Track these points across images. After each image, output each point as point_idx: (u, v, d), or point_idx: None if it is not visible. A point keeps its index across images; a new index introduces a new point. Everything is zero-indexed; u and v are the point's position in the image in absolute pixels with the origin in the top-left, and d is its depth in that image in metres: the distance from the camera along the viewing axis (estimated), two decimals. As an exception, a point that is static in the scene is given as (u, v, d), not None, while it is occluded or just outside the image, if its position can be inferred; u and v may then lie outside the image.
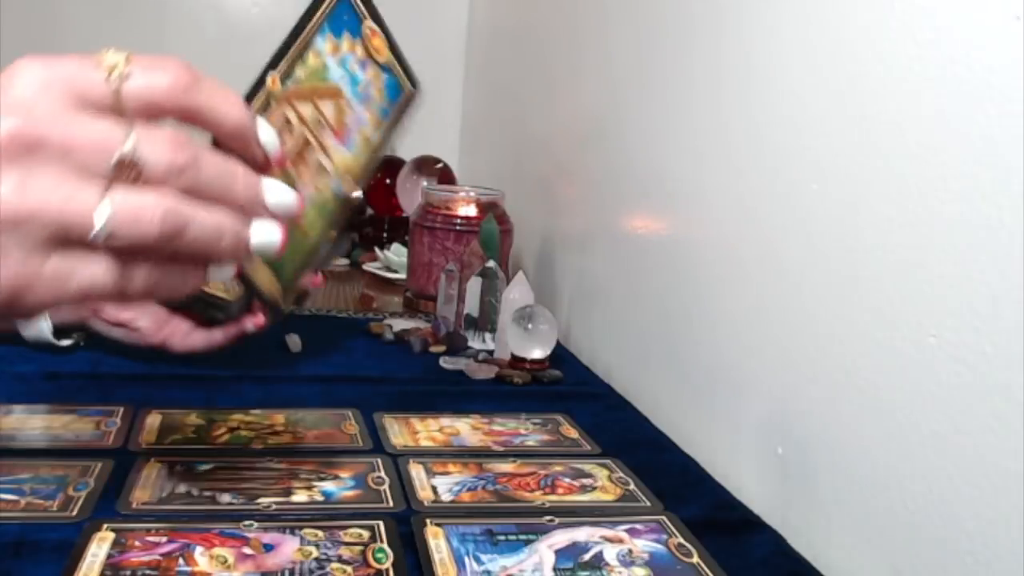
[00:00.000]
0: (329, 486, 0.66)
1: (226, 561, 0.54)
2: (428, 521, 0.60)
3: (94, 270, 0.38)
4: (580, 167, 1.16)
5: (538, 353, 0.96)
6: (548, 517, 0.62)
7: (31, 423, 0.74)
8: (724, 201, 0.79)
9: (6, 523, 0.57)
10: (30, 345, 0.88)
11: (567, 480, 0.69)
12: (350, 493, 0.65)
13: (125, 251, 0.38)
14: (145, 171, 0.37)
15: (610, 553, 0.58)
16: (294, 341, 0.98)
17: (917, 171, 0.55)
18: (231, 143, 0.43)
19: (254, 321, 0.85)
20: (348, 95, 0.59)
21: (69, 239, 0.36)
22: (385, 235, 1.58)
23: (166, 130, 0.38)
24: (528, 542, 0.59)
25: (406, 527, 0.60)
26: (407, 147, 1.49)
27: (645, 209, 0.96)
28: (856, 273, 0.60)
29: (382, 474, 0.68)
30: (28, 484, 0.62)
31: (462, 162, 1.83)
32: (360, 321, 1.13)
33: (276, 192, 0.44)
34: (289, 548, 0.56)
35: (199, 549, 0.55)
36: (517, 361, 0.96)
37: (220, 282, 0.82)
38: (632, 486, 0.69)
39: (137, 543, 0.55)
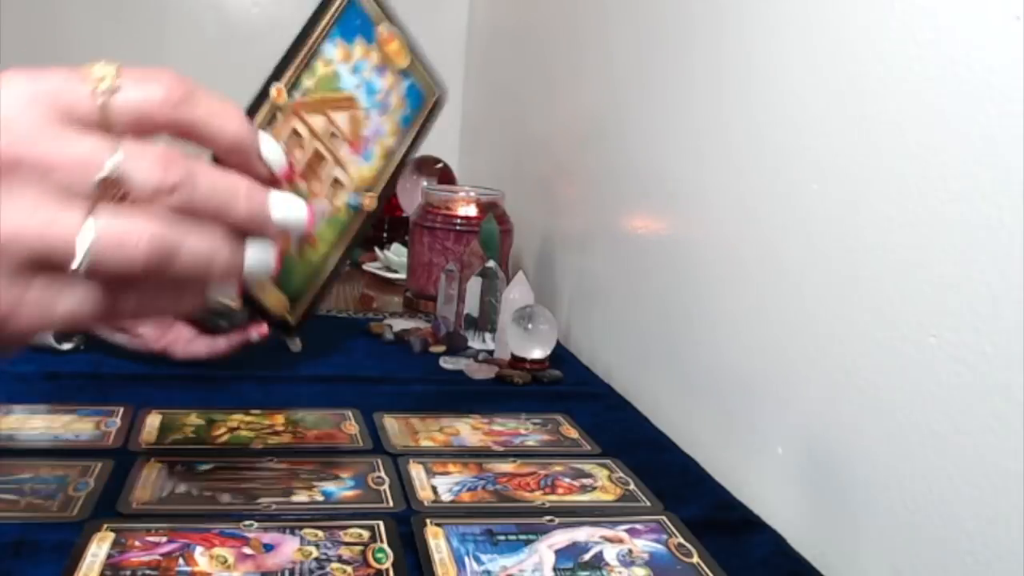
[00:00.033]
0: (329, 486, 0.66)
1: (226, 561, 0.54)
2: (428, 521, 0.60)
3: (81, 295, 0.36)
4: (580, 167, 1.16)
5: (538, 353, 0.96)
6: (548, 517, 0.62)
7: (31, 423, 0.74)
8: (724, 201, 0.79)
9: (6, 523, 0.57)
10: (31, 346, 0.89)
11: (567, 480, 0.69)
12: (350, 493, 0.65)
13: (111, 278, 0.36)
14: (133, 190, 0.35)
15: (610, 553, 0.58)
16: (294, 341, 0.98)
17: (917, 171, 0.55)
18: (230, 159, 0.41)
19: (258, 330, 0.85)
20: (364, 104, 0.56)
21: (51, 264, 0.34)
22: (385, 235, 1.58)
23: (157, 146, 0.36)
24: (528, 542, 0.59)
25: (406, 527, 0.60)
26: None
27: (645, 209, 0.96)
28: (856, 273, 0.60)
29: (382, 474, 0.68)
30: (28, 484, 0.62)
31: (462, 162, 1.83)
32: (360, 321, 1.13)
33: (284, 206, 0.41)
34: (289, 548, 0.56)
35: (199, 549, 0.55)
36: (517, 361, 0.96)
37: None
38: (632, 486, 0.69)
39: (137, 543, 0.55)
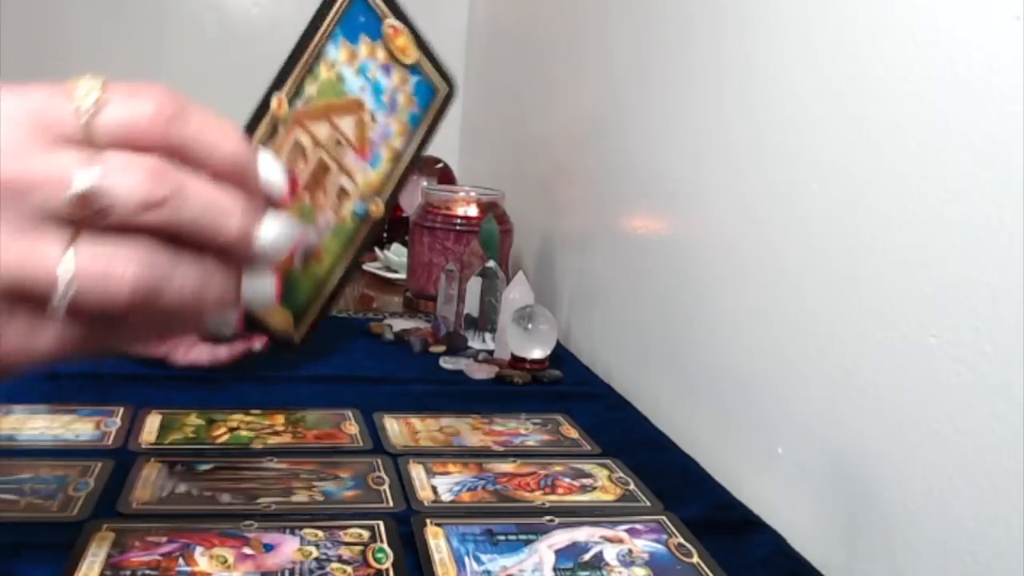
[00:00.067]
0: (329, 486, 0.66)
1: (226, 561, 0.54)
2: (428, 521, 0.60)
3: (64, 329, 0.33)
4: (580, 167, 1.16)
5: (538, 353, 0.96)
6: (548, 517, 0.62)
7: (31, 423, 0.74)
8: (724, 201, 0.79)
9: (6, 523, 0.57)
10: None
11: (567, 480, 0.69)
12: (350, 493, 0.65)
13: (95, 314, 0.33)
14: (115, 206, 0.32)
15: (610, 553, 0.58)
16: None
17: (917, 171, 0.55)
18: (226, 180, 0.37)
19: (261, 340, 0.85)
20: (370, 107, 0.53)
21: (30, 299, 0.32)
22: (385, 235, 1.58)
23: (144, 158, 0.33)
24: (528, 542, 0.59)
25: (406, 527, 0.60)
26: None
27: (645, 209, 0.96)
28: (856, 273, 0.60)
29: (382, 474, 0.68)
30: (28, 484, 0.62)
31: (462, 162, 1.83)
32: (360, 321, 1.13)
33: (275, 232, 0.38)
34: (289, 548, 0.56)
35: (199, 549, 0.55)
36: (517, 361, 0.96)
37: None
38: (632, 486, 0.69)
39: (137, 543, 0.55)
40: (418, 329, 1.08)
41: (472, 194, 1.23)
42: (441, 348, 1.02)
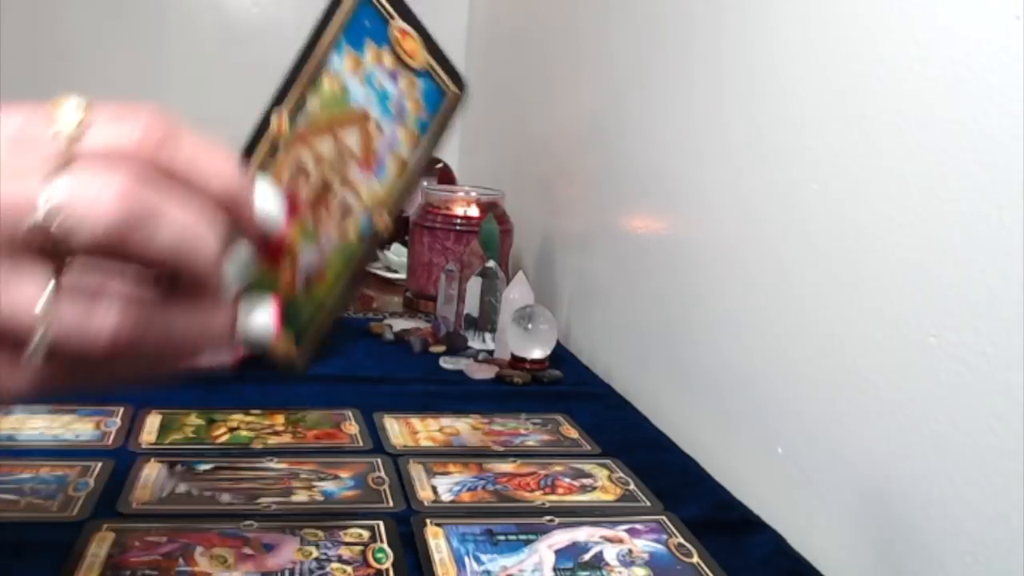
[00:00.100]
0: (329, 486, 0.66)
1: (226, 561, 0.54)
2: (428, 521, 0.60)
3: (45, 368, 0.30)
4: (580, 167, 1.16)
5: (538, 353, 0.96)
6: (548, 517, 0.62)
7: (31, 423, 0.74)
8: (724, 201, 0.79)
9: (6, 523, 0.57)
10: None
11: (567, 480, 0.69)
12: (350, 493, 0.65)
13: (75, 358, 0.30)
14: (84, 230, 0.29)
15: (610, 553, 0.58)
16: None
17: (917, 171, 0.55)
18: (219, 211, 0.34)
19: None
20: (376, 116, 0.51)
21: (6, 339, 0.29)
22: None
23: (114, 176, 0.30)
24: (528, 542, 0.59)
25: (406, 527, 0.60)
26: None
27: (645, 209, 0.96)
28: (856, 273, 0.60)
29: (382, 474, 0.68)
30: (28, 484, 0.62)
31: (462, 162, 1.83)
32: (360, 321, 1.13)
33: (234, 267, 0.35)
34: (289, 548, 0.56)
35: (199, 549, 0.55)
36: (517, 361, 0.96)
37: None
38: (632, 486, 0.69)
39: (137, 543, 0.55)
40: (418, 329, 1.08)
41: (472, 194, 1.23)
42: (441, 348, 1.02)
